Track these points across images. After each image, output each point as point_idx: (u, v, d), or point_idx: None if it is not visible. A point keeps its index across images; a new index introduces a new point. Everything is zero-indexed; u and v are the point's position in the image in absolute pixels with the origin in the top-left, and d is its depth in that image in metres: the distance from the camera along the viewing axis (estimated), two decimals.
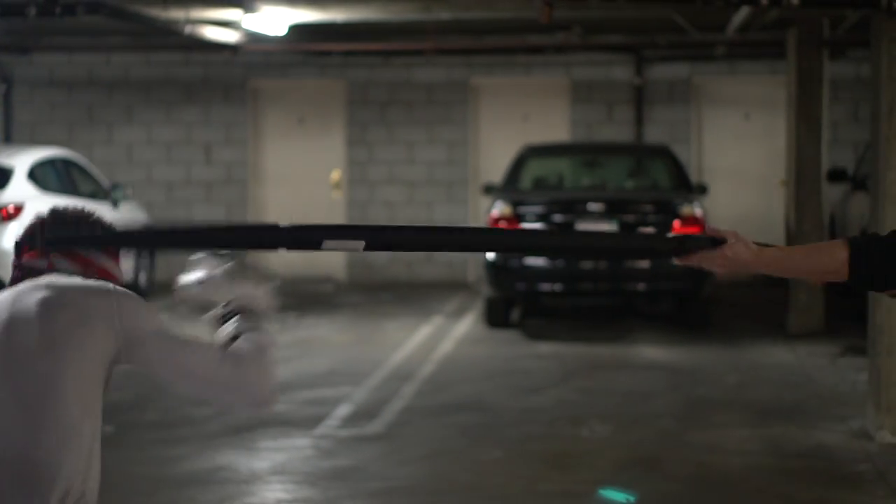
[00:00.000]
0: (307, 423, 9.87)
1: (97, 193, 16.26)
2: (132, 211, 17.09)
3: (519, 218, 14.26)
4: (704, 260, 3.57)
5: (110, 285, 3.49)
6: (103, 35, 18.37)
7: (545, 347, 13.29)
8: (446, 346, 13.41)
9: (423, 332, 14.41)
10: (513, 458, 8.89)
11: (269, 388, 3.58)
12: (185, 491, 8.05)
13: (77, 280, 3.48)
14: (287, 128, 19.78)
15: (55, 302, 3.36)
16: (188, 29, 15.96)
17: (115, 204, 16.48)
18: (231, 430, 9.67)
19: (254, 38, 17.59)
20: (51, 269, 3.51)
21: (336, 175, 19.64)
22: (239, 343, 3.59)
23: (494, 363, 12.49)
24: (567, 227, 14.16)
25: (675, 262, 3.62)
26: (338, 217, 19.54)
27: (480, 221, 18.11)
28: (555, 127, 19.31)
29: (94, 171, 16.70)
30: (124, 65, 19.53)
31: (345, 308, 16.48)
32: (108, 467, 9.01)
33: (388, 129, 19.47)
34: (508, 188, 15.16)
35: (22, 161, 15.03)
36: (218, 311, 3.70)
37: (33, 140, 18.84)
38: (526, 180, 15.47)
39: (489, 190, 15.74)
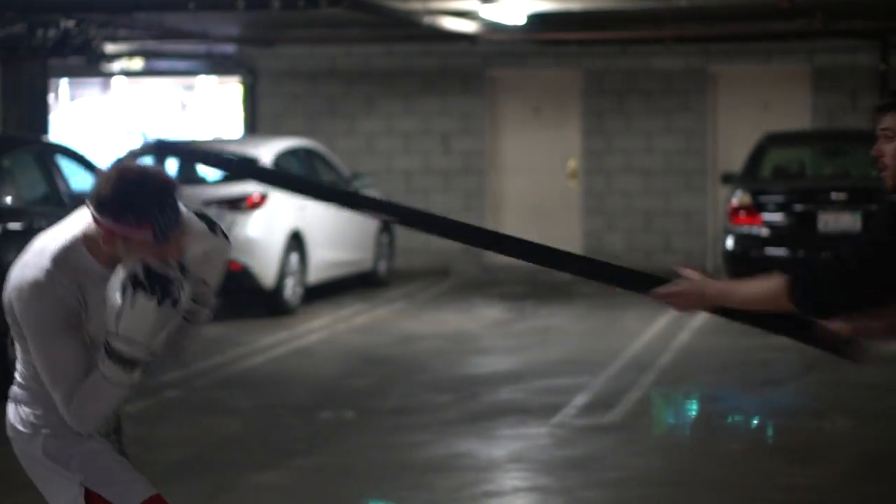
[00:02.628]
0: (544, 411, 9.90)
1: (338, 183, 16.57)
2: None
3: (759, 208, 14.06)
4: (668, 298, 4.02)
5: (22, 279, 3.97)
6: (344, 27, 18.69)
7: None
8: (684, 337, 13.30)
9: (661, 321, 14.31)
10: (752, 451, 8.77)
11: (85, 423, 4.00)
12: (426, 477, 8.16)
13: (27, 261, 4.00)
14: (524, 117, 19.85)
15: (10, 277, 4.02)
16: (427, 19, 16.14)
17: None
18: (470, 417, 9.76)
19: (491, 28, 17.69)
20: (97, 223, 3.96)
21: (572, 164, 19.63)
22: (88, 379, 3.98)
23: (733, 354, 12.34)
24: (809, 217, 13.91)
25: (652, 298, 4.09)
26: (574, 207, 19.55)
27: (719, 211, 17.91)
28: (795, 115, 18.96)
29: (336, 161, 17.02)
30: (365, 56, 19.84)
31: (581, 297, 16.47)
32: (350, 452, 9.19)
33: (625, 119, 19.38)
34: (748, 177, 14.95)
35: (266, 151, 15.40)
36: (108, 330, 3.97)
37: (277, 131, 19.28)
38: (766, 169, 15.23)
39: (728, 179, 15.55)
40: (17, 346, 4.09)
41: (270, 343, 13.10)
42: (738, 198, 14.24)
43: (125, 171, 3.92)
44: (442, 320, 14.64)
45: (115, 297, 3.87)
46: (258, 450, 8.92)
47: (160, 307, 3.87)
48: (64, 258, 3.94)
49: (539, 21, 17.55)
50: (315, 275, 15.60)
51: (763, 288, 3.96)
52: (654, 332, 13.66)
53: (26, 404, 4.12)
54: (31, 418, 4.11)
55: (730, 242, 14.16)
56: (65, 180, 11.79)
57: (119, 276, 3.89)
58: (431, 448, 8.87)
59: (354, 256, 16.65)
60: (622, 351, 12.49)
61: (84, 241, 3.97)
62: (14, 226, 10.77)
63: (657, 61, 19.21)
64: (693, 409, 10.31)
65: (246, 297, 15.19)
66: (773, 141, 15.61)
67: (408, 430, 9.37)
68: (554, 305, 15.69)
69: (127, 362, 3.91)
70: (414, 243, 19.50)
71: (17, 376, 4.17)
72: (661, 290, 4.07)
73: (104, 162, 15.18)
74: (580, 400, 10.29)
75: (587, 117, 19.46)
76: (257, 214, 14.57)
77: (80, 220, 4.03)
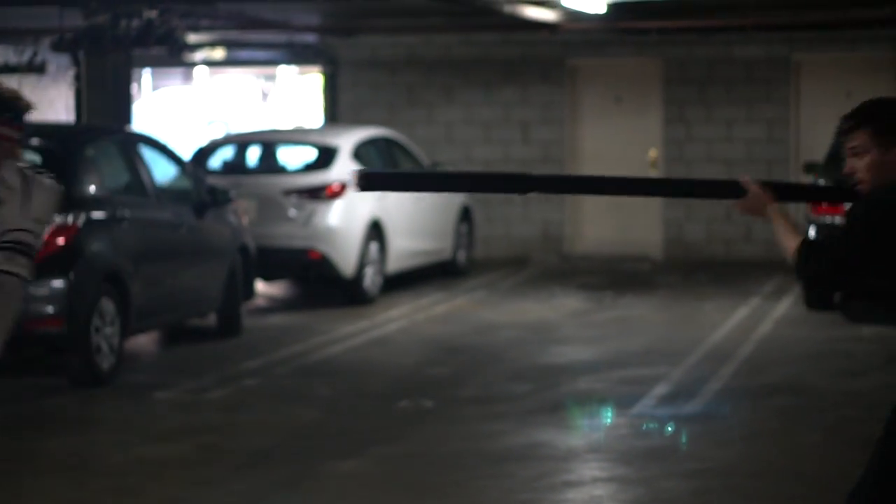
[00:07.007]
0: (623, 401, 9.88)
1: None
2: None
3: None
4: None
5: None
6: (425, 15, 18.72)
7: (868, 330, 12.95)
8: (765, 328, 13.22)
9: (741, 312, 14.23)
10: (831, 443, 8.72)
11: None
12: (504, 466, 8.17)
13: None
14: (604, 107, 19.79)
15: None
16: (507, 8, 16.13)
17: None
18: (548, 406, 9.76)
19: (571, 17, 17.65)
20: None
21: (653, 154, 19.56)
22: None
23: (814, 345, 12.26)
24: None
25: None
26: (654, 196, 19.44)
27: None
28: None
29: (415, 150, 17.05)
30: (445, 45, 19.85)
31: (661, 288, 16.42)
32: (429, 441, 9.21)
33: (706, 108, 19.27)
34: (830, 166, 14.82)
35: (346, 140, 15.47)
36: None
37: (357, 120, 19.35)
38: None
39: (811, 168, 15.42)
40: None
41: (350, 332, 13.17)
42: None
43: None
44: (521, 310, 14.64)
45: (15, 189, 3.98)
46: (338, 438, 8.97)
47: (58, 188, 4.09)
48: None
49: (619, 9, 17.49)
50: (394, 264, 15.65)
51: (791, 237, 4.60)
52: (735, 322, 13.59)
53: None
54: None
55: (812, 233, 14.04)
56: (147, 170, 11.91)
57: (9, 172, 3.99)
58: (510, 437, 8.89)
59: (434, 246, 16.68)
60: (702, 341, 12.43)
61: None
62: (97, 215, 10.88)
63: (739, 50, 19.08)
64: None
65: (325, 287, 15.28)
66: None
67: (487, 420, 9.39)
68: (633, 295, 15.65)
69: (32, 251, 3.96)
70: (494, 232, 19.51)
71: None
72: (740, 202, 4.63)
73: (186, 152, 15.32)
74: (660, 390, 10.26)
75: (667, 106, 19.36)
76: (337, 204, 14.64)
77: None
